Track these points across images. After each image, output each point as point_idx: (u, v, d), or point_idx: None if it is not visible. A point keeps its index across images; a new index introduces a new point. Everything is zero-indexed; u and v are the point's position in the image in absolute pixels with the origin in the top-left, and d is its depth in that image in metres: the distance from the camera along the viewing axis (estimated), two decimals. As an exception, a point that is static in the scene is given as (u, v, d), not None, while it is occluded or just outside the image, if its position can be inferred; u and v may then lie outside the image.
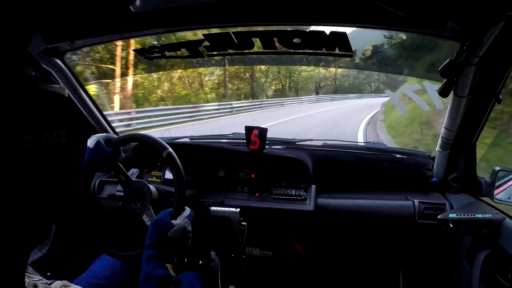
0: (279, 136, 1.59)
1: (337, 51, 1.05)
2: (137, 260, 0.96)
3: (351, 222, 1.29)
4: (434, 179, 1.29)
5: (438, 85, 1.02)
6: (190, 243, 0.86)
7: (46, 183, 0.37)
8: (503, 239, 0.97)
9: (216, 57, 1.22)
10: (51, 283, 0.46)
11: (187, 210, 0.88)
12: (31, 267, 0.69)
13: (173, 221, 0.82)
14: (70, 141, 0.39)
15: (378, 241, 1.35)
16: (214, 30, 1.06)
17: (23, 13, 0.42)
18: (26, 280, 0.42)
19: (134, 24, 0.97)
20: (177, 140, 1.67)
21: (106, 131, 1.57)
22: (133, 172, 1.40)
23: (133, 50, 1.23)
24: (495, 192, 1.13)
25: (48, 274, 0.90)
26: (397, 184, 1.37)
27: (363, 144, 1.53)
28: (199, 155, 1.43)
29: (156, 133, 1.10)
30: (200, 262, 1.15)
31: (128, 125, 7.26)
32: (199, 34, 1.07)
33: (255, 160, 1.39)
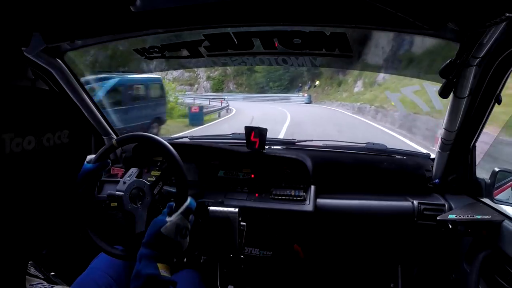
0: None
1: (337, 51, 1.05)
2: (132, 259, 0.96)
3: (351, 223, 1.29)
4: (436, 180, 1.29)
5: (438, 86, 1.02)
6: (189, 241, 0.84)
7: (47, 185, 0.37)
8: (503, 240, 0.97)
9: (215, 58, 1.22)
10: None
11: (184, 205, 0.85)
12: (33, 268, 0.68)
13: (167, 218, 0.81)
14: (72, 142, 0.38)
15: (377, 242, 1.35)
16: (214, 30, 1.06)
17: (23, 13, 0.42)
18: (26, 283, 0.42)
19: (135, 24, 0.97)
20: (177, 140, 1.67)
21: (106, 131, 1.57)
22: (132, 172, 1.39)
23: (133, 50, 1.23)
24: (495, 193, 1.13)
25: (52, 274, 0.90)
26: (396, 185, 1.37)
27: (363, 144, 1.53)
28: (199, 155, 1.43)
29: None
30: (200, 261, 1.15)
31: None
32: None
33: (255, 160, 1.39)
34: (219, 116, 13.67)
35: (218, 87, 29.60)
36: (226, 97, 22.24)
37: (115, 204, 1.00)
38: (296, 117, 12.50)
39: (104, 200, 1.04)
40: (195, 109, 11.63)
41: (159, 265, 0.73)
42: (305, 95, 21.76)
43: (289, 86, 26.00)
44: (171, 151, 0.95)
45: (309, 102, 20.66)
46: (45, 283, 0.45)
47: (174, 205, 0.86)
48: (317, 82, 23.47)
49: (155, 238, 0.77)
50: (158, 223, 0.80)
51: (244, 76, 29.04)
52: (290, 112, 14.21)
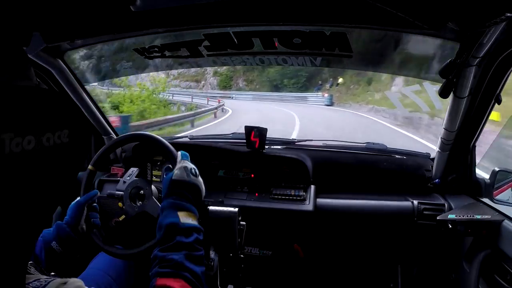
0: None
1: (337, 51, 1.05)
2: (137, 259, 0.96)
3: (351, 223, 1.29)
4: (436, 180, 1.29)
5: (438, 86, 1.02)
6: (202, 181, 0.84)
7: (47, 185, 0.37)
8: (502, 240, 0.97)
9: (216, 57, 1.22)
10: (45, 285, 0.44)
11: (178, 155, 0.86)
12: (33, 268, 0.68)
13: (173, 172, 0.81)
14: (72, 141, 0.38)
15: (377, 241, 1.35)
16: (214, 30, 1.06)
17: (23, 12, 0.42)
18: None
19: (135, 23, 0.97)
20: (177, 140, 1.68)
21: (106, 131, 1.57)
22: (132, 172, 1.39)
23: (133, 49, 1.23)
24: (495, 193, 1.13)
25: (52, 274, 0.90)
26: (396, 184, 1.37)
27: (363, 144, 1.53)
28: (199, 155, 1.43)
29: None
30: None
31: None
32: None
33: (255, 160, 1.39)
34: (193, 126, 10.00)
35: (226, 84, 25.56)
36: (234, 95, 20.44)
37: (123, 216, 1.01)
38: (308, 127, 8.70)
39: (116, 219, 1.03)
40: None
41: (180, 213, 0.72)
42: (326, 95, 17.27)
43: (307, 84, 20.96)
44: (137, 134, 1.04)
45: (330, 104, 16.06)
46: (42, 279, 0.44)
47: (170, 165, 0.86)
48: (340, 80, 18.51)
49: (171, 186, 0.77)
50: (168, 177, 0.80)
51: (256, 72, 23.77)
52: (300, 118, 10.50)
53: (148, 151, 1.45)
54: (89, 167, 1.02)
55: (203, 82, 26.88)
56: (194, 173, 0.82)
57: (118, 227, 0.99)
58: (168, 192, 0.77)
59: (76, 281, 0.47)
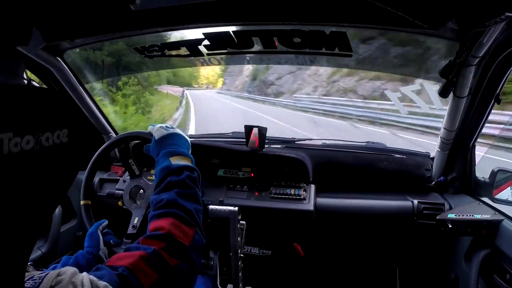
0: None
1: (336, 50, 1.05)
2: None
3: (350, 222, 1.29)
4: (441, 178, 1.29)
5: (437, 86, 1.02)
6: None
7: (46, 185, 0.36)
8: (502, 240, 0.98)
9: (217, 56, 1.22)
10: (40, 282, 0.42)
11: (150, 127, 0.91)
12: (31, 266, 0.68)
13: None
14: (72, 141, 0.38)
15: (376, 241, 1.35)
16: (214, 29, 1.06)
17: (22, 10, 0.42)
18: None
19: (135, 22, 0.97)
20: None
21: (106, 131, 1.57)
22: None
23: (133, 48, 1.23)
24: (494, 192, 1.13)
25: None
26: (396, 184, 1.37)
27: (362, 144, 1.53)
28: (198, 154, 1.43)
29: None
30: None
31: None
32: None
33: (255, 159, 1.39)
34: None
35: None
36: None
37: (137, 219, 1.02)
38: None
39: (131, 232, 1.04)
40: None
41: (172, 158, 0.75)
42: None
43: None
44: (117, 138, 1.06)
45: None
46: (35, 275, 0.43)
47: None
48: None
49: (157, 143, 0.81)
50: (152, 143, 0.83)
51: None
52: None
53: (127, 150, 1.43)
54: (82, 202, 1.03)
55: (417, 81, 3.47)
56: (169, 127, 0.86)
57: (138, 230, 1.01)
58: (156, 148, 0.80)
59: (70, 268, 0.46)
